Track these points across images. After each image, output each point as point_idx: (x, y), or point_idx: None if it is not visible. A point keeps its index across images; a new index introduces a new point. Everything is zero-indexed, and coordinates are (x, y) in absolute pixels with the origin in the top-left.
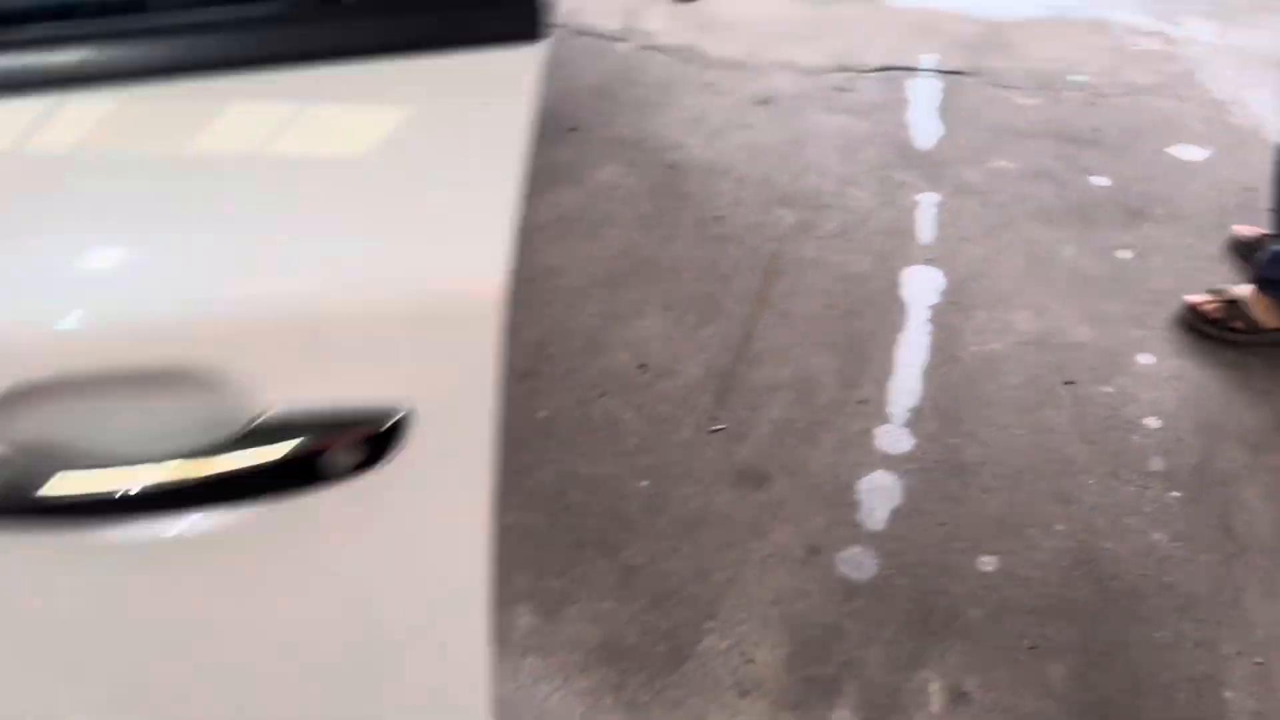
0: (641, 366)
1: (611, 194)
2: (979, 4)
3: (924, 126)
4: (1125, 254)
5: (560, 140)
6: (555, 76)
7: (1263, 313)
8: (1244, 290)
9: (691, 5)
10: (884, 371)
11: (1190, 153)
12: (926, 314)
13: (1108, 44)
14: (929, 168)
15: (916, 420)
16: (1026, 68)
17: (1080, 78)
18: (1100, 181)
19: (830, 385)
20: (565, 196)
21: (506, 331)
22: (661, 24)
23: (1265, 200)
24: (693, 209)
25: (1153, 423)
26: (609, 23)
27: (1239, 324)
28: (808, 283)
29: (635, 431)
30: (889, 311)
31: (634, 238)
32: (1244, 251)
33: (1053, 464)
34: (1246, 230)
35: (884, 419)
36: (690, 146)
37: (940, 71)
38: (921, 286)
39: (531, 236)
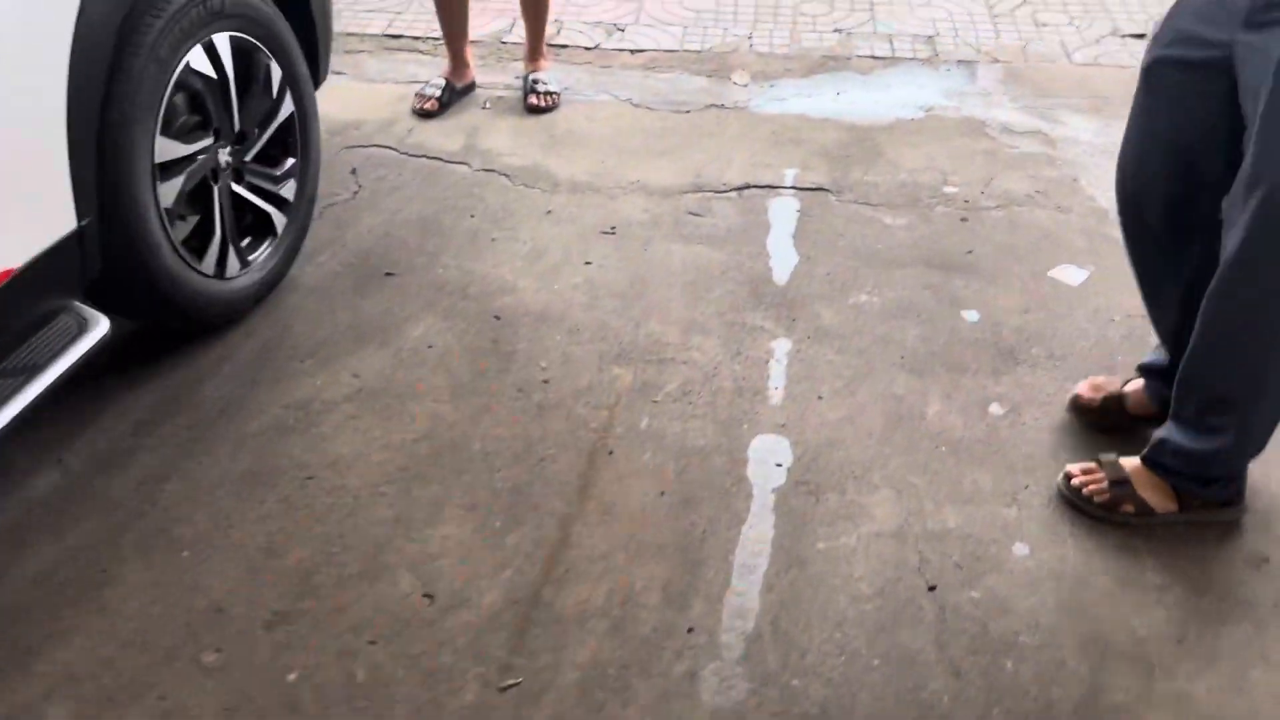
0: (427, 596)
1: (423, 356)
2: (847, 107)
3: (782, 256)
4: (997, 409)
5: (373, 289)
6: (379, 209)
7: (1154, 495)
8: (1131, 465)
9: (542, 118)
10: (719, 583)
11: (1071, 275)
12: (771, 498)
13: (982, 148)
14: (784, 307)
15: (753, 653)
16: (896, 180)
17: (952, 189)
18: (971, 316)
19: (654, 607)
20: (368, 362)
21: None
22: (507, 141)
23: (1151, 331)
24: (516, 371)
25: (1029, 640)
26: (450, 142)
27: (1128, 507)
28: (640, 463)
29: (407, 697)
30: (730, 497)
31: (443, 414)
32: (1090, 417)
33: (912, 709)
34: (1088, 392)
35: (714, 653)
36: (522, 290)
37: (803, 189)
38: (768, 461)
39: (319, 420)
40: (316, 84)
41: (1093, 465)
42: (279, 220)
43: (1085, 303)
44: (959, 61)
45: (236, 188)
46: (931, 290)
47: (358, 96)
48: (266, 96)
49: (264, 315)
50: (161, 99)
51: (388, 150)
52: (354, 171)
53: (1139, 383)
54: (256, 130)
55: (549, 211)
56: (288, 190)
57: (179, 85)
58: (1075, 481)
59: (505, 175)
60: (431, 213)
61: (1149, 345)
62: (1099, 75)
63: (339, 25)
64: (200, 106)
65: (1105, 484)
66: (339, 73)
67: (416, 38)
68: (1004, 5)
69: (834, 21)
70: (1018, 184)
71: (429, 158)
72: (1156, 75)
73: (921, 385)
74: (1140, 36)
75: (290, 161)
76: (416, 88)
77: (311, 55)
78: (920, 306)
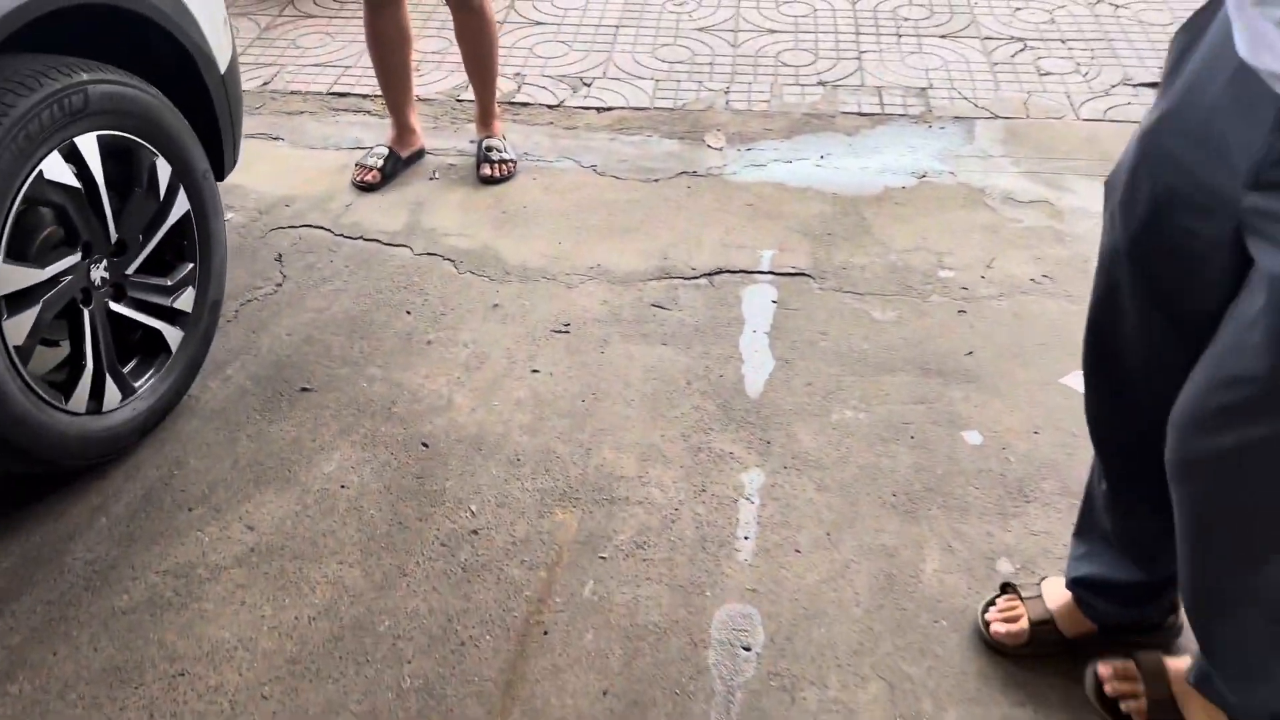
0: None
1: (333, 501)
2: (831, 174)
3: (756, 360)
4: (1006, 565)
5: (285, 409)
6: (304, 306)
7: (1199, 716)
8: (1178, 671)
9: (495, 190)
10: None
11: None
12: (738, 698)
13: (982, 221)
14: (757, 427)
15: None
16: (885, 262)
17: (949, 273)
18: (972, 439)
19: None
20: (268, 509)
21: None
22: (454, 218)
23: None
24: (441, 518)
25: None
26: (390, 220)
27: None
28: (581, 647)
29: None
30: (688, 698)
31: (349, 581)
32: (1018, 652)
33: None
34: (1003, 626)
35: None
36: (457, 407)
37: (781, 274)
38: (735, 644)
39: (201, 592)
40: (222, 174)
41: (1130, 666)
42: (173, 336)
43: None
44: (954, 118)
45: (117, 307)
46: (926, 405)
47: (293, 166)
48: (153, 198)
49: (153, 449)
50: (3, 219)
51: (321, 231)
52: (280, 258)
53: (1065, 598)
54: (141, 237)
55: (496, 305)
56: (184, 300)
57: (31, 200)
58: (1108, 689)
59: (450, 260)
60: (362, 309)
61: None
62: (1108, 133)
63: (280, 82)
64: (64, 220)
65: (1145, 702)
66: (276, 138)
67: (364, 95)
68: (1003, 52)
69: (818, 73)
70: (1022, 266)
71: (366, 240)
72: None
73: (917, 533)
74: (1154, 85)
75: (187, 267)
76: (359, 155)
77: (214, 142)
78: (914, 426)
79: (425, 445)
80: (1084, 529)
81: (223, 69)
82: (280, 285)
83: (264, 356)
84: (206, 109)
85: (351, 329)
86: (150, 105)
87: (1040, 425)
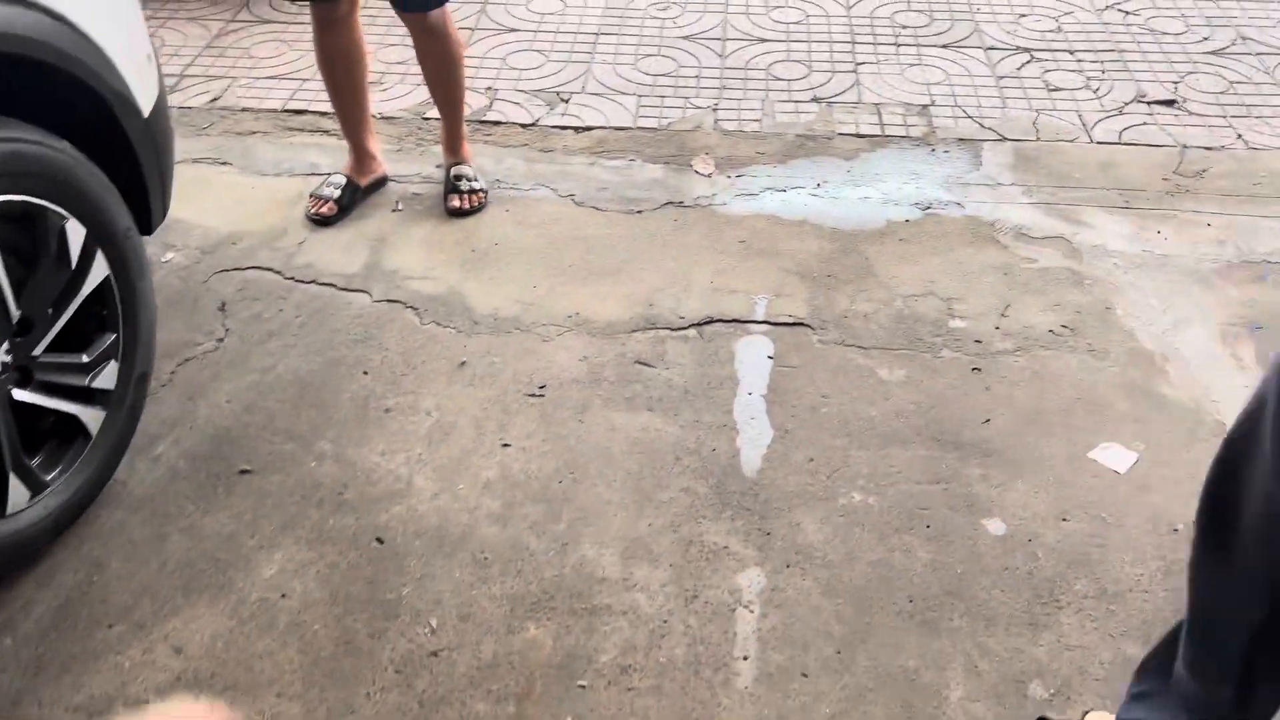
0: None
1: (273, 614)
2: (829, 205)
3: (753, 429)
4: (1038, 690)
5: (221, 496)
6: (247, 366)
7: None
8: None
9: (464, 224)
10: None
11: (1116, 457)
12: None
13: (993, 261)
14: (755, 514)
15: None
16: (890, 310)
17: (960, 322)
18: (995, 528)
19: None
20: (198, 625)
21: None
22: (419, 258)
23: None
24: (396, 635)
25: None
26: (348, 261)
27: None
28: None
29: None
30: None
31: None
32: None
33: None
34: None
35: None
36: (417, 492)
37: (778, 324)
38: None
39: None
40: (149, 228)
41: None
42: (93, 419)
43: (1138, 500)
44: (959, 140)
45: (21, 394)
46: (943, 485)
47: (242, 196)
48: (64, 266)
49: (71, 548)
50: None
51: (270, 274)
52: (223, 308)
53: None
54: (51, 311)
55: (463, 363)
56: (105, 377)
57: None
58: None
59: (413, 308)
60: (313, 369)
61: None
62: (1125, 158)
63: (231, 98)
64: None
65: None
66: (224, 163)
67: (322, 113)
68: (1008, 64)
69: (812, 88)
70: (1039, 315)
71: (320, 284)
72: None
73: (938, 649)
74: (1170, 104)
75: (108, 339)
76: (315, 184)
77: (140, 196)
78: (930, 512)
79: (380, 541)
80: (1153, 670)
81: (146, 112)
82: (222, 340)
83: (201, 429)
84: (129, 158)
85: (300, 394)
86: (56, 162)
87: (1069, 510)
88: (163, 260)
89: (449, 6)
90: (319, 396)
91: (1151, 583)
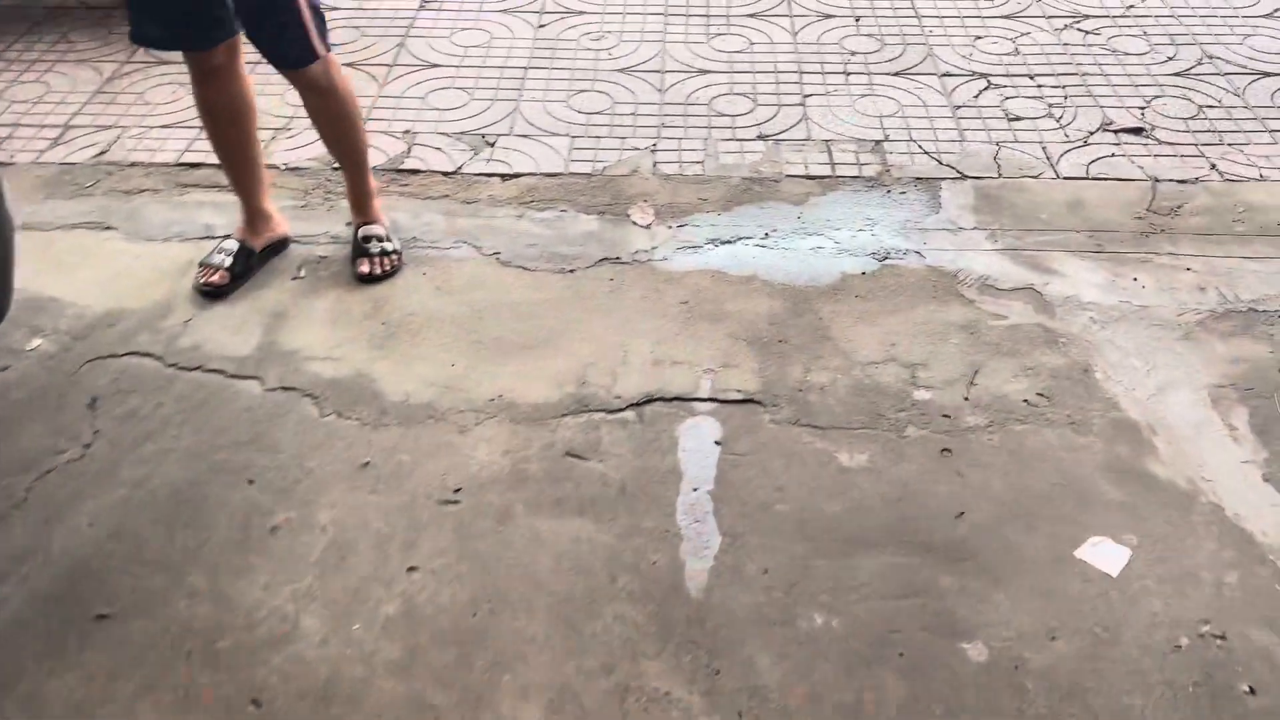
0: None
1: None
2: (779, 258)
3: (698, 536)
4: None
5: (74, 648)
6: (115, 479)
7: None
8: None
9: (375, 292)
10: None
11: (1106, 556)
12: None
13: (958, 319)
14: (702, 648)
15: None
16: (849, 380)
17: (925, 394)
18: (976, 654)
19: None
20: None
21: None
22: (321, 335)
23: (1242, 658)
24: None
25: None
26: (239, 341)
27: None
28: None
29: None
30: None
31: None
32: None
33: None
34: None
35: None
36: (304, 635)
37: (725, 401)
38: None
39: None
40: None
41: None
42: None
43: (1135, 609)
44: (916, 180)
45: None
46: (915, 599)
47: (125, 268)
48: None
49: None
50: None
51: (150, 361)
52: (93, 404)
53: None
54: None
55: (366, 464)
56: None
57: None
58: None
59: (311, 396)
60: (192, 479)
61: (1235, 695)
62: (1094, 195)
63: (119, 151)
64: None
65: None
66: (108, 227)
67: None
68: (964, 92)
69: (758, 124)
70: (1012, 382)
71: (206, 370)
72: None
73: None
74: (1138, 131)
75: None
76: (208, 248)
77: None
78: (902, 636)
79: (256, 704)
80: None
81: None
82: (89, 446)
83: (55, 562)
84: None
85: (175, 511)
86: None
87: (1056, 626)
88: (28, 349)
89: (333, 56)
90: (196, 515)
91: (1155, 715)
